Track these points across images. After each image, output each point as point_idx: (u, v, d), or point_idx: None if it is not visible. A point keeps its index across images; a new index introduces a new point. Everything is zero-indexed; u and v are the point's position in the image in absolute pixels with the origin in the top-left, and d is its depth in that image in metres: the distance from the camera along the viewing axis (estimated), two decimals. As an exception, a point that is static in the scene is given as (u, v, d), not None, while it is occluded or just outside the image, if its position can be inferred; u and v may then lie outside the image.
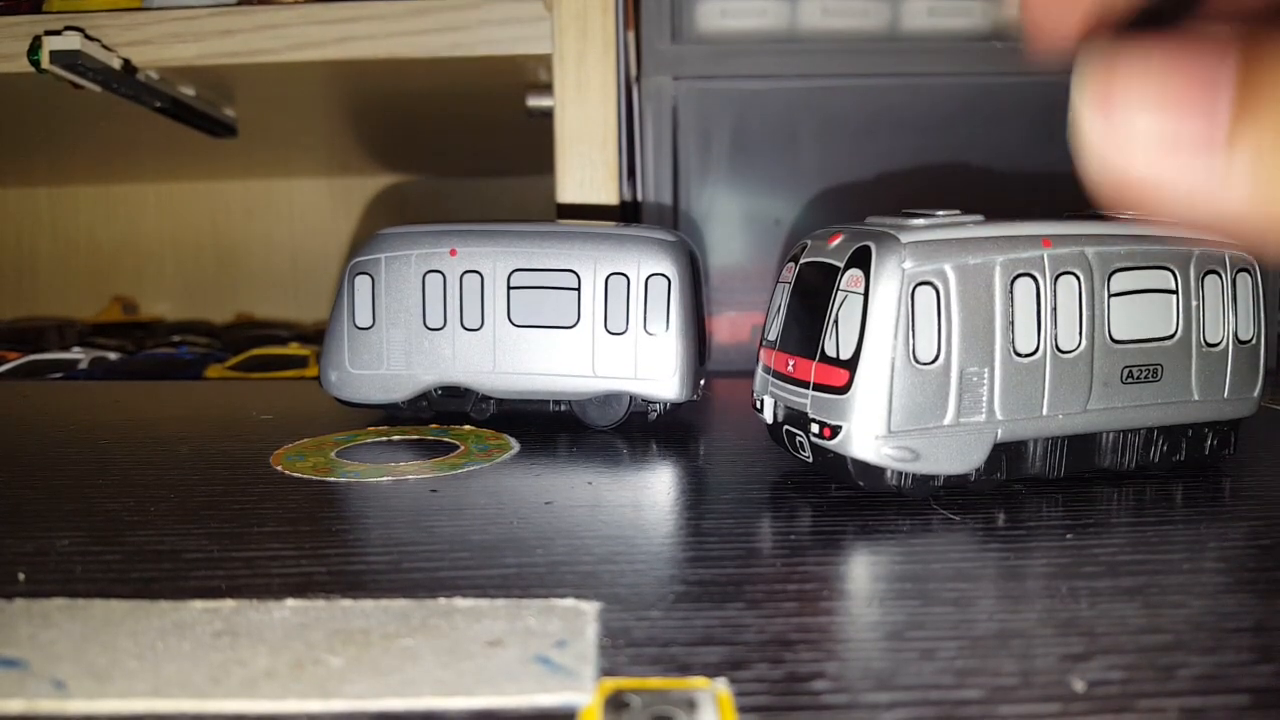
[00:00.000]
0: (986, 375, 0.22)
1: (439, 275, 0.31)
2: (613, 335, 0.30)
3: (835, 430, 0.22)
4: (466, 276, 0.31)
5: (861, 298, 0.22)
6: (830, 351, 0.23)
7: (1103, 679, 0.14)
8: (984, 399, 0.23)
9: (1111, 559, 0.19)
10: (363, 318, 0.31)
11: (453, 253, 0.31)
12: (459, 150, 0.74)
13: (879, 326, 0.22)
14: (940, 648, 0.15)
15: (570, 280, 0.30)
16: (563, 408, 0.32)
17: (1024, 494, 0.24)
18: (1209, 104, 0.14)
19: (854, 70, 0.44)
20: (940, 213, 0.23)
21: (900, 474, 0.23)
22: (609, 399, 0.31)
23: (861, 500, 0.23)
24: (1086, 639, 0.15)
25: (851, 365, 0.22)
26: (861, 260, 0.22)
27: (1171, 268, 0.24)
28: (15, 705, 0.13)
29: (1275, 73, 0.14)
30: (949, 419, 0.22)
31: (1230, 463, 0.27)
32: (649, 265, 0.30)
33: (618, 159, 0.43)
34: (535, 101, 0.47)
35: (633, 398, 0.31)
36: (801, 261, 0.25)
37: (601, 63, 0.42)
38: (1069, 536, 0.21)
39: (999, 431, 0.23)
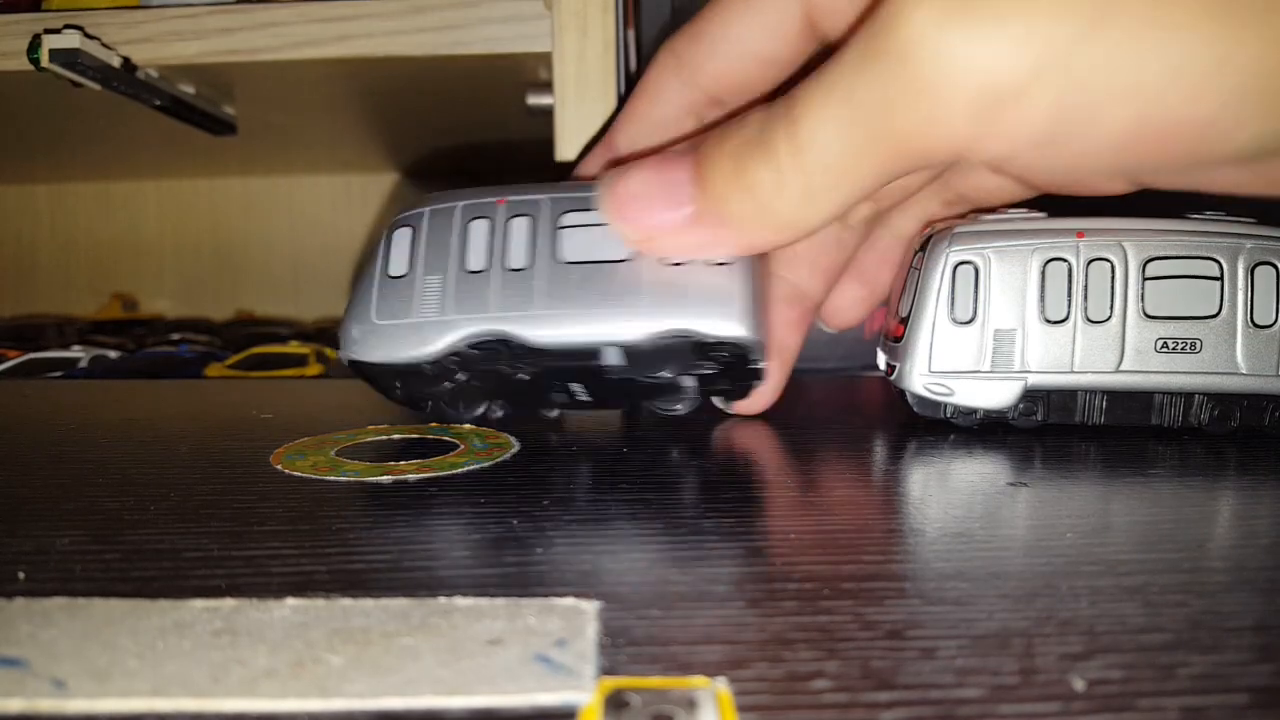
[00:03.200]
0: (1018, 335, 0.29)
1: (485, 221, 0.28)
2: (673, 265, 0.26)
3: (892, 369, 0.30)
4: (514, 221, 0.28)
5: (918, 273, 0.30)
6: (903, 313, 0.30)
7: (1103, 678, 0.14)
8: (1015, 352, 0.29)
9: (1113, 557, 0.19)
10: (397, 267, 0.28)
11: (500, 202, 0.28)
12: (459, 148, 0.74)
13: (923, 293, 0.29)
14: (940, 646, 0.15)
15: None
16: (613, 366, 0.27)
17: (1028, 490, 0.24)
18: (678, 190, 0.24)
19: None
20: (1013, 211, 0.30)
21: (945, 407, 0.30)
22: (670, 342, 0.26)
23: (861, 499, 0.23)
24: (1086, 637, 0.15)
25: (906, 322, 0.30)
26: (924, 246, 0.30)
27: (1217, 258, 0.28)
28: (15, 704, 0.13)
29: (708, 155, 0.24)
30: (986, 365, 0.29)
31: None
32: None
33: (618, 157, 0.43)
34: (535, 100, 0.47)
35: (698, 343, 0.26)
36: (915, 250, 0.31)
37: (601, 61, 0.42)
38: (1069, 535, 0.21)
39: (1029, 379, 0.29)
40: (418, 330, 0.27)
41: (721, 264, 0.26)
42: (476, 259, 0.27)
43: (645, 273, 0.26)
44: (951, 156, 0.22)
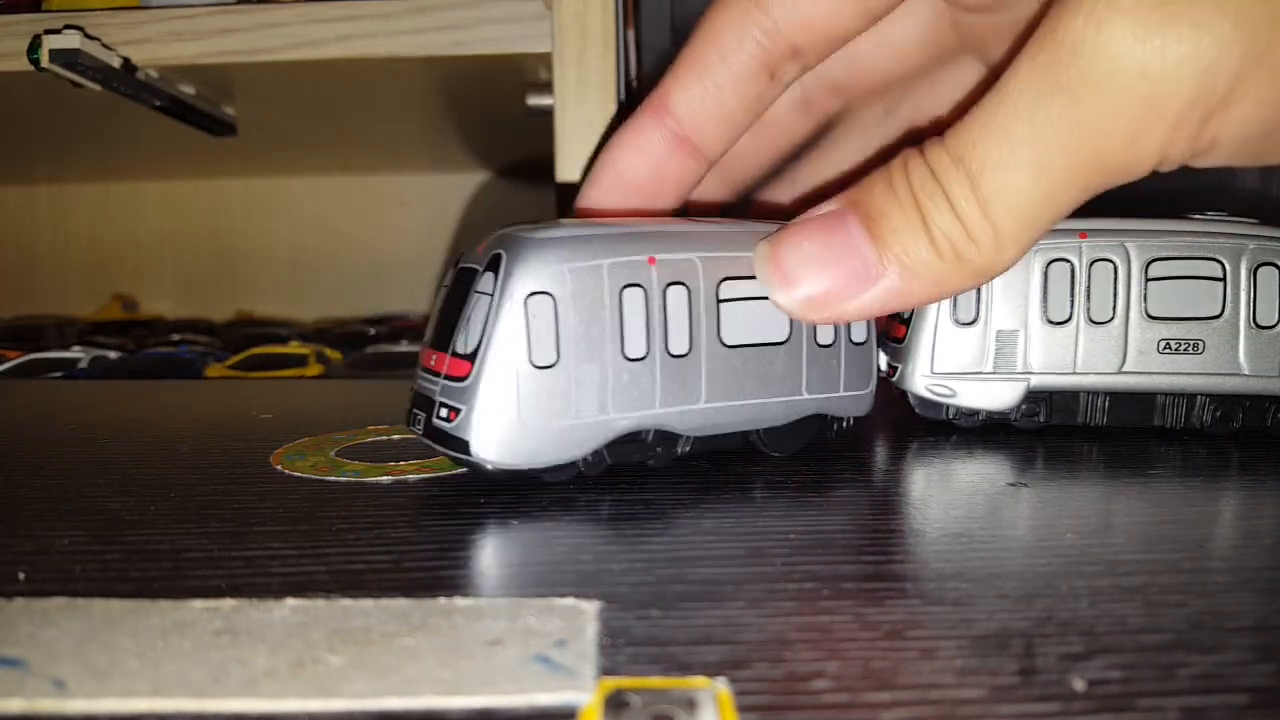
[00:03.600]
0: (1020, 336, 0.28)
1: (639, 291, 0.23)
2: (822, 348, 0.26)
3: (894, 370, 0.30)
4: (671, 290, 0.24)
5: None
6: (904, 314, 0.30)
7: (1103, 678, 0.14)
8: (1018, 353, 0.29)
9: (1113, 558, 0.19)
10: (543, 353, 0.22)
11: (650, 261, 0.23)
12: (459, 148, 0.74)
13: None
14: (941, 647, 0.15)
15: None
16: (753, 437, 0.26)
17: (1028, 489, 0.24)
18: (854, 250, 0.22)
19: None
20: None
21: (947, 408, 0.29)
22: (807, 421, 0.27)
23: (861, 500, 0.23)
24: (1087, 638, 0.15)
25: (908, 323, 0.30)
26: None
27: (1220, 259, 0.28)
28: (15, 704, 0.13)
29: (879, 210, 0.22)
30: (988, 367, 0.29)
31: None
32: None
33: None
34: (535, 100, 0.47)
35: (825, 417, 0.27)
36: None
37: (601, 62, 0.42)
38: (1069, 535, 0.21)
39: (1031, 380, 0.29)
40: (573, 432, 0.23)
41: (860, 343, 0.27)
42: (636, 344, 0.23)
43: (802, 356, 0.26)
44: (1156, 167, 0.21)
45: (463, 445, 0.22)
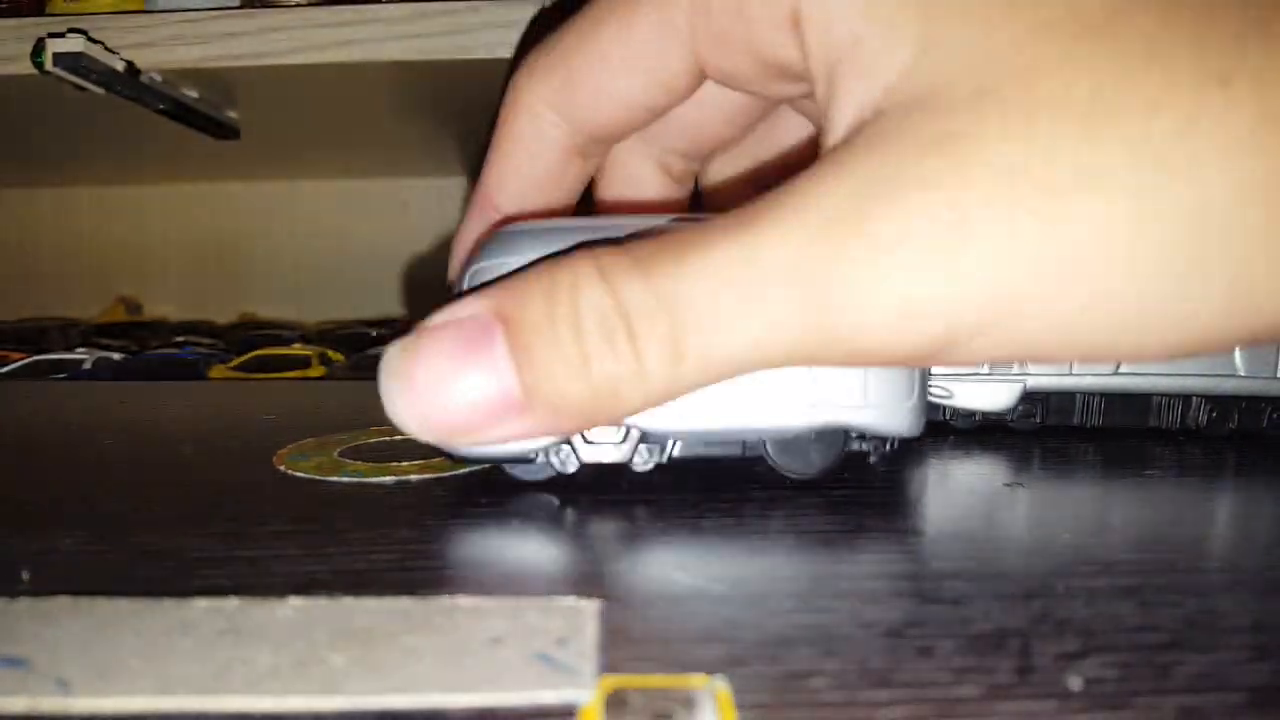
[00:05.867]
0: None
1: None
2: None
3: None
4: None
5: None
6: None
7: (1099, 677, 0.14)
8: None
9: (1110, 557, 0.19)
10: None
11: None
12: (461, 152, 0.75)
13: None
14: (938, 645, 0.15)
15: None
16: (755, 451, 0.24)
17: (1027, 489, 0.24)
18: (496, 376, 0.18)
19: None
20: None
21: (944, 409, 0.29)
22: (820, 438, 0.23)
23: (858, 500, 0.23)
24: (1083, 637, 0.16)
25: None
26: None
27: None
28: (19, 704, 0.14)
29: (529, 340, 0.18)
30: (984, 367, 0.29)
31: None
32: None
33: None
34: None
35: (849, 435, 0.23)
36: None
37: (603, 64, 0.42)
38: (1066, 535, 0.21)
39: (1027, 381, 0.29)
40: None
41: None
42: None
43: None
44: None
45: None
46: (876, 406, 0.23)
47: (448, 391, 0.18)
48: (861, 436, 0.23)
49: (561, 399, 0.18)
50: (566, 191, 0.26)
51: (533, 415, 0.18)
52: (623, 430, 0.23)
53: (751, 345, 0.17)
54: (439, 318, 0.19)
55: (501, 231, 0.23)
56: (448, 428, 0.19)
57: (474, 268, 0.23)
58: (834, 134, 0.18)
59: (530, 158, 0.25)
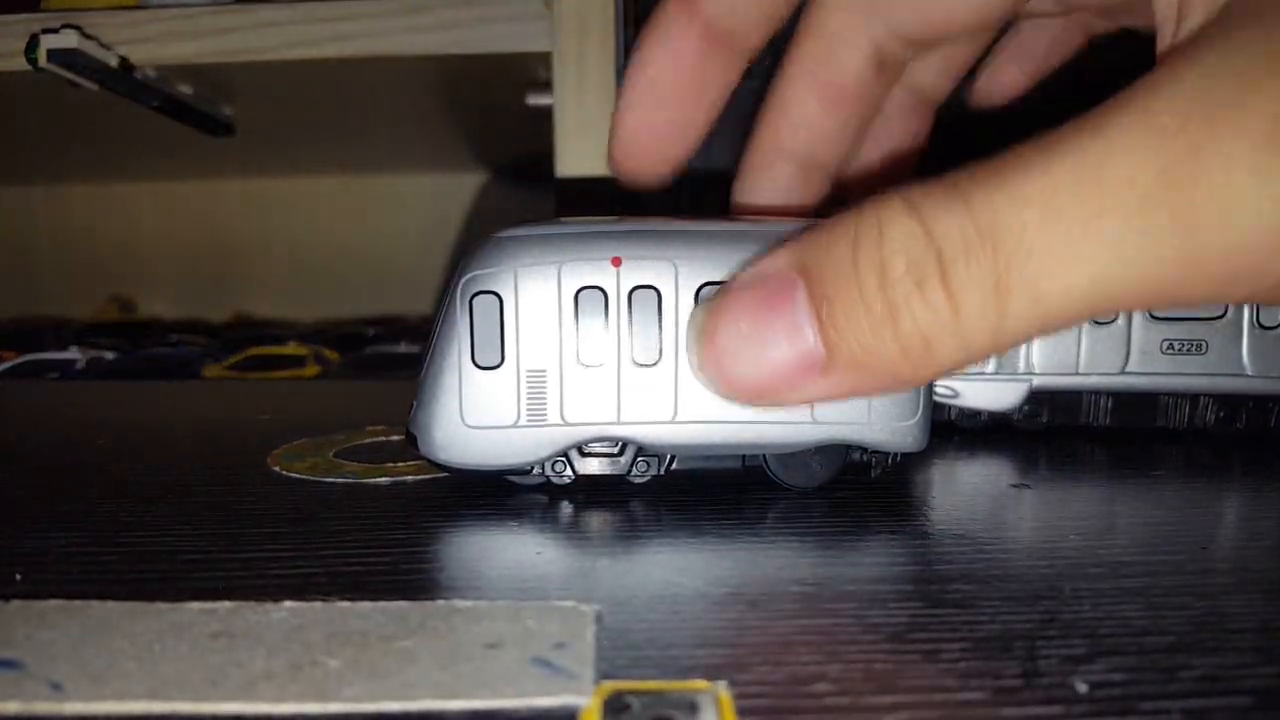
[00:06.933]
0: None
1: (598, 293, 0.22)
2: None
3: None
4: (638, 294, 0.22)
5: None
6: None
7: (1106, 680, 0.14)
8: (1020, 354, 0.29)
9: (1116, 559, 0.19)
10: (486, 354, 0.22)
11: (615, 262, 0.22)
12: (457, 148, 0.74)
13: None
14: (943, 649, 0.15)
15: None
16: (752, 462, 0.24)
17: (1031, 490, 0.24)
18: (799, 335, 0.17)
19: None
20: None
21: (950, 409, 0.29)
22: (821, 451, 0.23)
23: (862, 502, 0.23)
24: (1090, 640, 0.15)
25: None
26: None
27: None
28: (12, 706, 0.13)
29: (833, 291, 0.16)
30: (991, 367, 0.29)
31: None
32: None
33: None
34: (535, 99, 0.47)
35: (850, 449, 0.23)
36: None
37: (601, 60, 0.42)
38: (1073, 536, 0.21)
39: (1034, 381, 0.29)
40: (524, 436, 0.22)
41: None
42: (591, 350, 0.22)
43: None
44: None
45: (414, 440, 0.23)
46: (881, 422, 0.22)
47: (748, 353, 0.18)
48: (863, 450, 0.23)
49: (867, 357, 0.16)
50: (859, 118, 0.25)
51: (836, 376, 0.17)
52: (618, 444, 0.23)
53: (1094, 283, 0.15)
54: (745, 274, 0.18)
55: (494, 238, 0.22)
56: (749, 391, 0.18)
57: (467, 276, 0.22)
58: (1187, 21, 0.16)
59: (827, 59, 0.24)
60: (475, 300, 0.22)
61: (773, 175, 0.26)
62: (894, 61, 0.25)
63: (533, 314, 0.22)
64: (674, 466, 0.23)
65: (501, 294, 0.22)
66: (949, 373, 0.17)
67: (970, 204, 0.15)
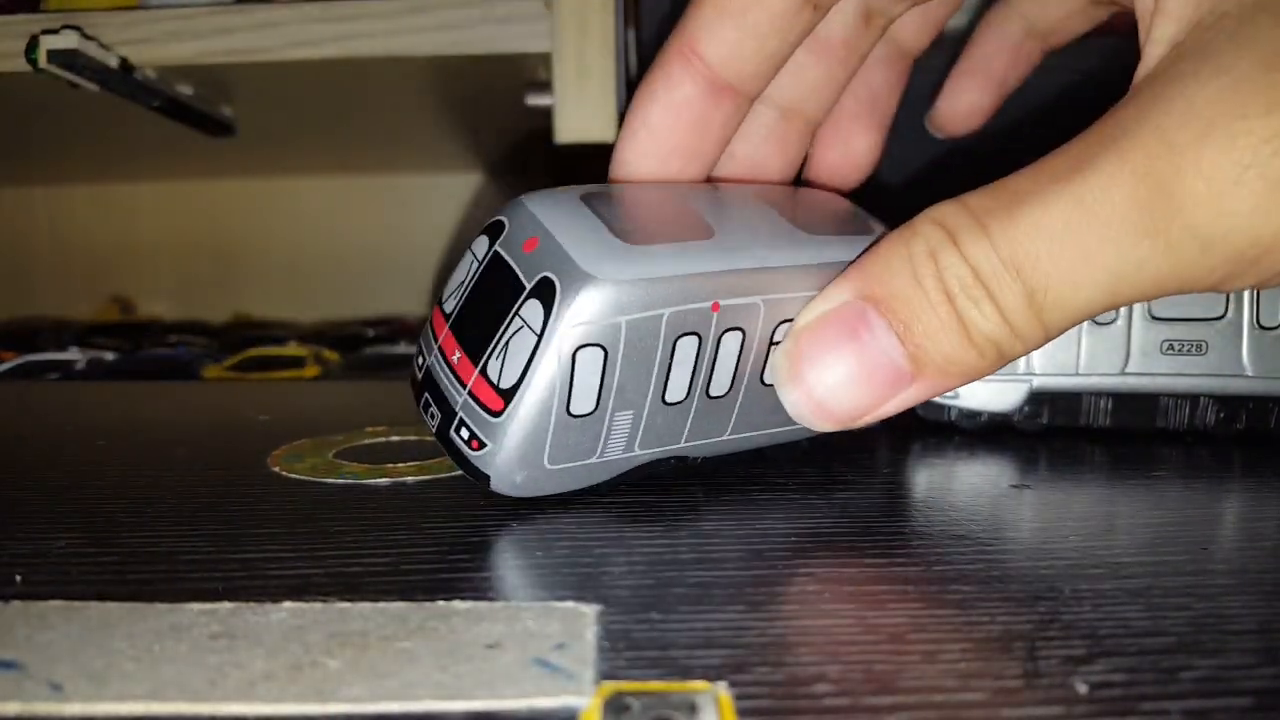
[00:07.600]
0: None
1: (694, 338, 0.21)
2: None
3: None
4: (727, 336, 0.22)
5: None
6: None
7: (1106, 681, 0.14)
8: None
9: (1117, 560, 0.19)
10: (582, 403, 0.21)
11: (715, 308, 0.21)
12: (457, 148, 0.74)
13: None
14: (943, 650, 0.15)
15: None
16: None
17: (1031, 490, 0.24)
18: (886, 361, 0.20)
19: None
20: None
21: (949, 409, 0.29)
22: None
23: (863, 502, 0.23)
24: (1090, 641, 0.15)
25: None
26: None
27: None
28: (11, 708, 0.13)
29: (910, 314, 0.19)
30: None
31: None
32: None
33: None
34: (535, 100, 0.47)
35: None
36: None
37: (601, 60, 0.42)
38: (1072, 537, 0.21)
39: (1034, 381, 0.29)
40: (596, 469, 0.22)
41: None
42: (678, 390, 0.22)
43: None
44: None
45: (483, 477, 0.21)
46: None
47: (840, 382, 0.20)
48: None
49: (949, 363, 0.19)
50: (788, 46, 0.24)
51: (923, 382, 0.20)
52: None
53: (1106, 294, 0.18)
54: (807, 315, 0.21)
55: (593, 278, 0.20)
56: (849, 415, 0.21)
57: (572, 324, 0.20)
58: (1154, 47, 0.19)
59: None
60: (579, 353, 0.20)
61: (754, 121, 0.26)
62: (881, 14, 0.25)
63: (633, 364, 0.21)
64: (698, 463, 0.24)
65: (607, 348, 0.20)
66: (1008, 361, 0.20)
67: (991, 237, 0.18)
